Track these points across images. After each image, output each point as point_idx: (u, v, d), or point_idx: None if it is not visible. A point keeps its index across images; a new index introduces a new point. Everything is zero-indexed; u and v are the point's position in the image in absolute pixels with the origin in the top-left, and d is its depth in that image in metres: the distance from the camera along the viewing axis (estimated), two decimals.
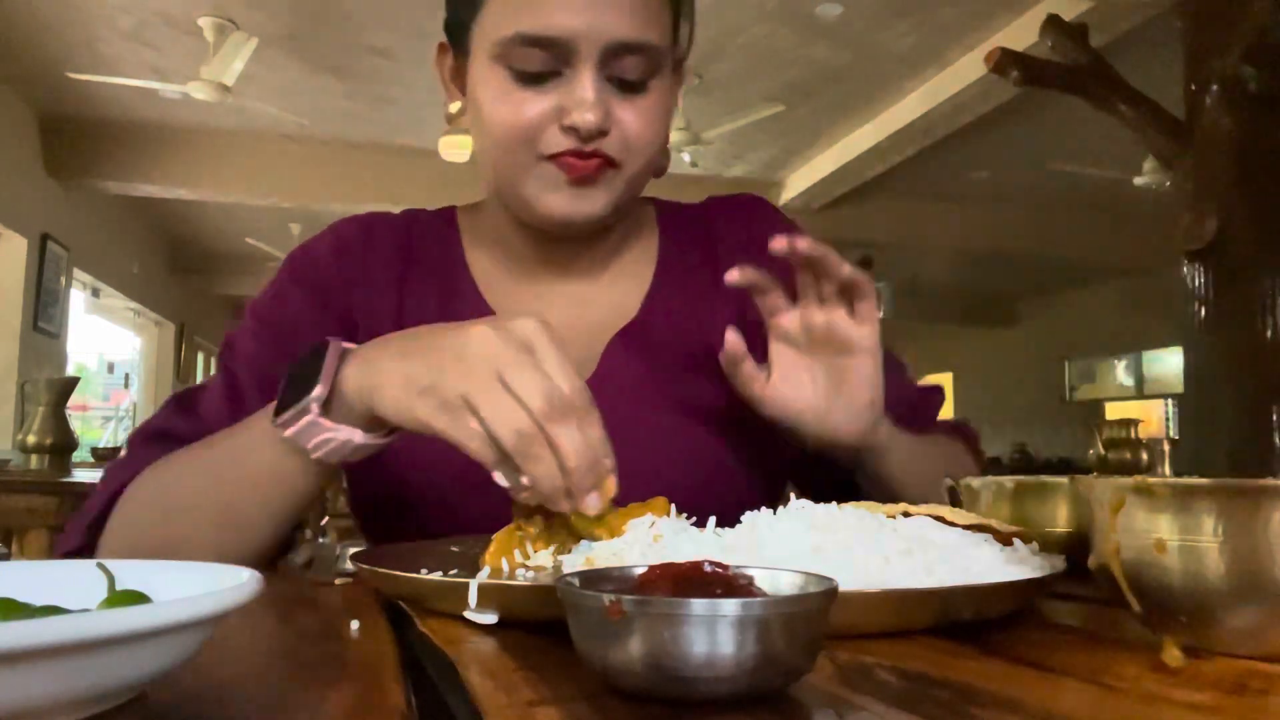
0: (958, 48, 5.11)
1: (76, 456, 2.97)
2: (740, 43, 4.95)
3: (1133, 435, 3.71)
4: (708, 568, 0.37)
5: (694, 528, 0.57)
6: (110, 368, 10.68)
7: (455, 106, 0.84)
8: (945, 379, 13.02)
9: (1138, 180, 5.81)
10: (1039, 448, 9.95)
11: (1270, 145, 2.64)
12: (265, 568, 0.71)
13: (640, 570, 0.39)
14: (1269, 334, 2.57)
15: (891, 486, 0.79)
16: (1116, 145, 4.52)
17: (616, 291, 0.89)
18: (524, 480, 0.55)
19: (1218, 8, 2.73)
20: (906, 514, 0.57)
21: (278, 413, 0.63)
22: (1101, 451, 3.69)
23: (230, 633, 0.47)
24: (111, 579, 0.41)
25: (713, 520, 0.57)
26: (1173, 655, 0.40)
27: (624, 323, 0.87)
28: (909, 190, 7.30)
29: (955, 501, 0.72)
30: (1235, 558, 0.39)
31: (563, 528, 0.59)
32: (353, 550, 0.65)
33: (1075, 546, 0.59)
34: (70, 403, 2.91)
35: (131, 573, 0.41)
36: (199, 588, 0.34)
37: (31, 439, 2.76)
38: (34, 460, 2.77)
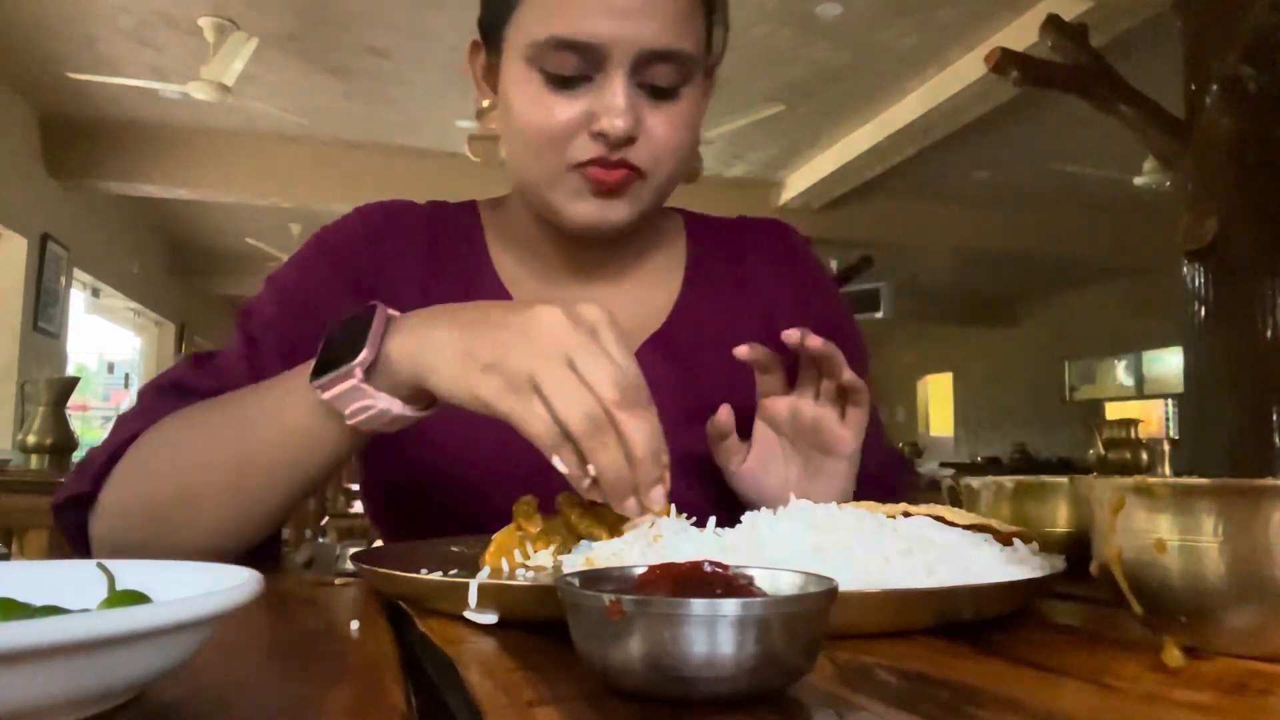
0: (958, 48, 5.11)
1: (76, 456, 2.97)
2: (740, 43, 4.93)
3: (1133, 435, 3.71)
4: (708, 568, 0.37)
5: (694, 528, 0.57)
6: (110, 368, 10.67)
7: (486, 104, 0.84)
8: (945, 379, 13.04)
9: (1138, 180, 5.81)
10: (1039, 448, 9.96)
11: (1270, 145, 2.64)
12: (264, 557, 0.71)
13: (640, 570, 0.39)
14: (1269, 334, 2.57)
15: None
16: (1116, 145, 4.52)
17: (642, 298, 0.89)
18: (590, 469, 0.53)
19: (1218, 8, 2.73)
20: (906, 514, 0.57)
21: (317, 374, 0.61)
22: (1101, 451, 3.70)
23: (230, 633, 0.47)
24: (111, 579, 0.41)
25: (713, 520, 0.57)
26: (1173, 655, 0.40)
27: (651, 329, 0.87)
28: (909, 190, 7.30)
29: (955, 501, 0.72)
30: (1235, 558, 0.39)
31: (563, 528, 0.59)
32: (353, 550, 0.65)
33: (1075, 546, 0.59)
34: (70, 403, 2.91)
35: (131, 573, 0.41)
36: (199, 588, 0.34)
37: (31, 439, 2.76)
38: (34, 460, 2.77)
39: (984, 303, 11.47)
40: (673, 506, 0.60)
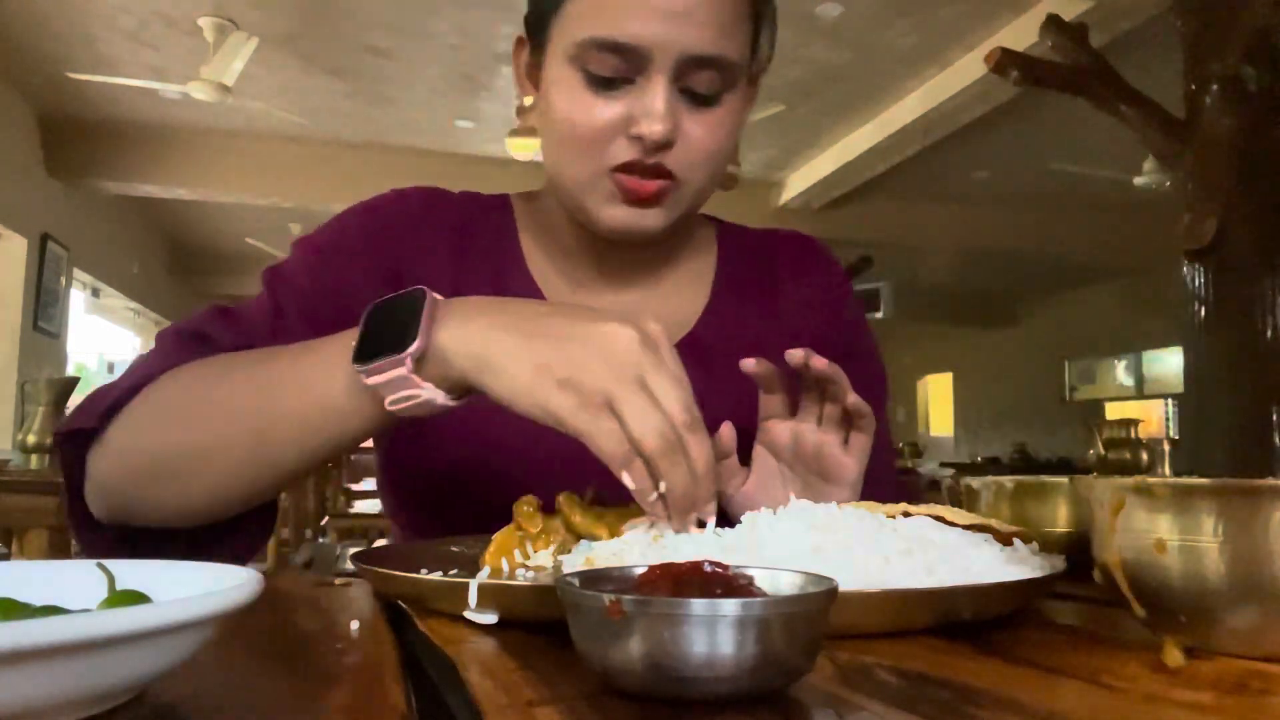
0: (958, 48, 5.11)
1: None
2: None
3: (1133, 435, 3.70)
4: (708, 568, 0.37)
5: (694, 528, 0.57)
6: (110, 368, 10.66)
7: (529, 100, 0.84)
8: (945, 379, 13.04)
9: (1138, 180, 5.81)
10: (1039, 448, 9.96)
11: (1270, 145, 2.64)
12: (262, 544, 0.70)
13: (640, 570, 0.39)
14: (1269, 334, 2.57)
15: None
16: (1116, 145, 4.52)
17: (670, 303, 0.89)
18: (661, 486, 0.55)
19: (1218, 7, 2.73)
20: (906, 514, 0.57)
21: (364, 357, 0.59)
22: (1101, 451, 3.69)
23: (230, 633, 0.47)
24: (111, 579, 0.41)
25: (712, 520, 0.57)
26: (1173, 655, 0.40)
27: (677, 335, 0.87)
28: (909, 190, 7.30)
29: (955, 501, 0.72)
30: (1235, 558, 0.39)
31: (563, 528, 0.59)
32: (353, 550, 0.65)
33: (1075, 546, 0.59)
34: (70, 403, 2.91)
35: (131, 573, 0.41)
36: (199, 588, 0.34)
37: (31, 439, 2.76)
38: (34, 460, 2.77)
39: (984, 303, 11.47)
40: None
